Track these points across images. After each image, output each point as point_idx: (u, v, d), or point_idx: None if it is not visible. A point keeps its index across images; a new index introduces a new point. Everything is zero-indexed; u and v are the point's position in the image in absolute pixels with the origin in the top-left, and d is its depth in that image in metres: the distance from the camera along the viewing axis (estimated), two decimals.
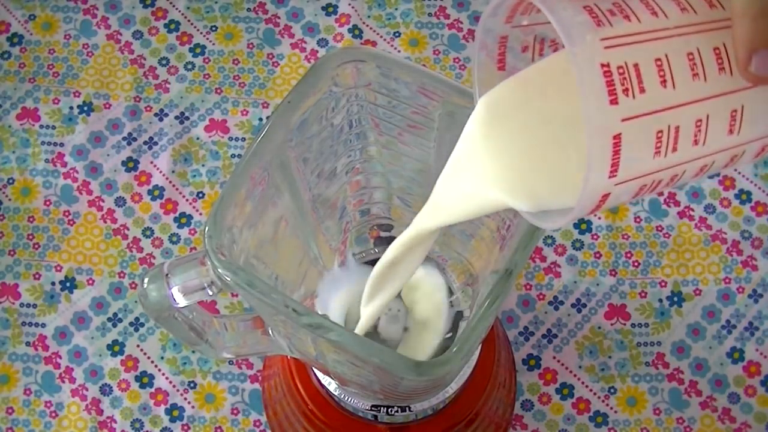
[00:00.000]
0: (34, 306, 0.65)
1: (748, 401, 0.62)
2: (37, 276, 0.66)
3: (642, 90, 0.30)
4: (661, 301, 0.64)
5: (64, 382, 0.63)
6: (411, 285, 0.51)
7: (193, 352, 0.64)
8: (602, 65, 0.30)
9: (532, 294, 0.65)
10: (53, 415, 0.63)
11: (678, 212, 0.66)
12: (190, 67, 0.71)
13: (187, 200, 0.68)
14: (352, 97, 0.45)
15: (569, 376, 0.63)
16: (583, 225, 0.66)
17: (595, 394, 0.62)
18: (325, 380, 0.51)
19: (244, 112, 0.70)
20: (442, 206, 0.39)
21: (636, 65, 0.30)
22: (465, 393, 0.53)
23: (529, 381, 0.63)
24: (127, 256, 0.66)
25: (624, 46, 0.30)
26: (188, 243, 0.67)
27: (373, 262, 0.45)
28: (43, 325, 0.65)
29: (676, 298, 0.64)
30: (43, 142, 0.69)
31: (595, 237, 0.66)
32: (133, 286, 0.66)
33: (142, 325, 0.64)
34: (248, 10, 0.73)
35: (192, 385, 0.63)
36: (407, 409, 0.50)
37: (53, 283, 0.66)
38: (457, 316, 0.51)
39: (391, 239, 0.51)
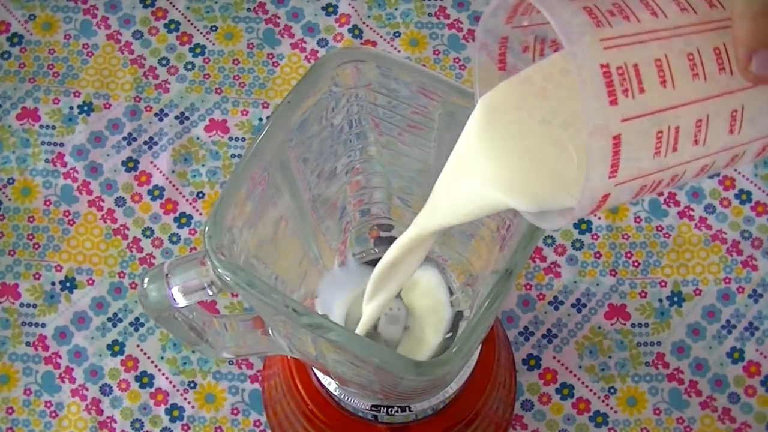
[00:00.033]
0: (34, 306, 0.65)
1: (748, 401, 0.62)
2: (37, 276, 0.66)
3: (642, 90, 0.30)
4: (661, 301, 0.64)
5: (64, 382, 0.63)
6: (411, 285, 0.51)
7: (193, 352, 0.64)
8: (602, 66, 0.30)
9: (532, 294, 0.65)
10: (53, 415, 0.63)
11: (678, 212, 0.66)
12: (190, 67, 0.71)
13: (187, 200, 0.68)
14: (352, 97, 0.45)
15: (569, 376, 0.63)
16: (583, 225, 0.66)
17: (595, 394, 0.62)
18: (325, 380, 0.51)
19: (244, 112, 0.70)
20: (441, 208, 0.39)
21: (635, 65, 0.30)
22: (465, 393, 0.53)
23: (529, 381, 0.63)
24: (127, 256, 0.66)
25: (623, 47, 0.30)
26: (188, 243, 0.67)
27: (373, 262, 0.45)
28: (43, 325, 0.65)
29: (676, 298, 0.64)
30: (43, 142, 0.69)
31: (595, 237, 0.66)
32: (133, 286, 0.66)
33: (142, 325, 0.64)
34: (248, 10, 0.73)
35: (192, 385, 0.63)
36: (407, 409, 0.50)
37: (53, 283, 0.66)
38: (457, 316, 0.51)
39: (391, 239, 0.51)
